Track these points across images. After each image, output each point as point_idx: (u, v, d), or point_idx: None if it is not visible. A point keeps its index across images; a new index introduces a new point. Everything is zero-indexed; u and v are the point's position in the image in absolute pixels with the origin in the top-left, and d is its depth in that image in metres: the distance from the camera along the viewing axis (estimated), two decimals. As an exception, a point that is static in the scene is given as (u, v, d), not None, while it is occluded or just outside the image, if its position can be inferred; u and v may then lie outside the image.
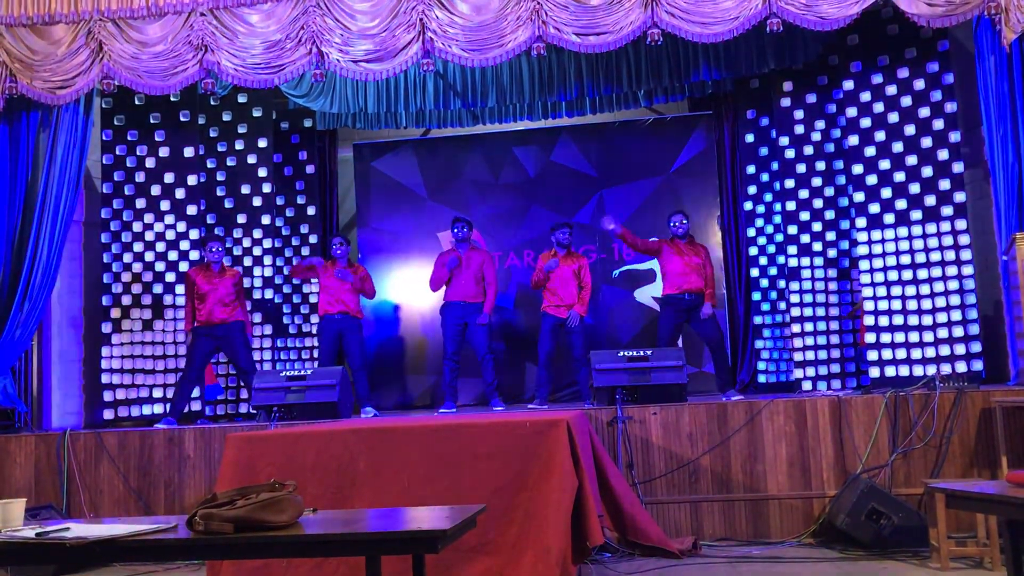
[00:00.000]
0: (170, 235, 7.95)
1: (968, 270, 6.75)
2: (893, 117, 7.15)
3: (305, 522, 2.79)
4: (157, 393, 7.71)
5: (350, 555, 2.64)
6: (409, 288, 9.39)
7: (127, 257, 7.83)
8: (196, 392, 7.70)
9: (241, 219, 8.57)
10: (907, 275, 6.94)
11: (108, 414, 7.48)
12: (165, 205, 7.96)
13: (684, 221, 7.49)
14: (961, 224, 6.81)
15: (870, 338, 7.00)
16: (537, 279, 7.62)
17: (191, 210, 8.01)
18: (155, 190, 7.96)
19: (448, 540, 2.62)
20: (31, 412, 7.17)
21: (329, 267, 7.76)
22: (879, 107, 7.21)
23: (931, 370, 6.55)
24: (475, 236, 7.96)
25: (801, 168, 7.99)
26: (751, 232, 8.70)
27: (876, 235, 7.08)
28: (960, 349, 6.67)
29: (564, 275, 7.52)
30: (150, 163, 7.98)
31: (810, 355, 7.69)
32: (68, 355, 7.64)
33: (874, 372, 6.94)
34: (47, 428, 7.12)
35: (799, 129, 8.04)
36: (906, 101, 7.11)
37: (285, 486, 2.79)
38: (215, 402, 8.20)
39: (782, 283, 8.26)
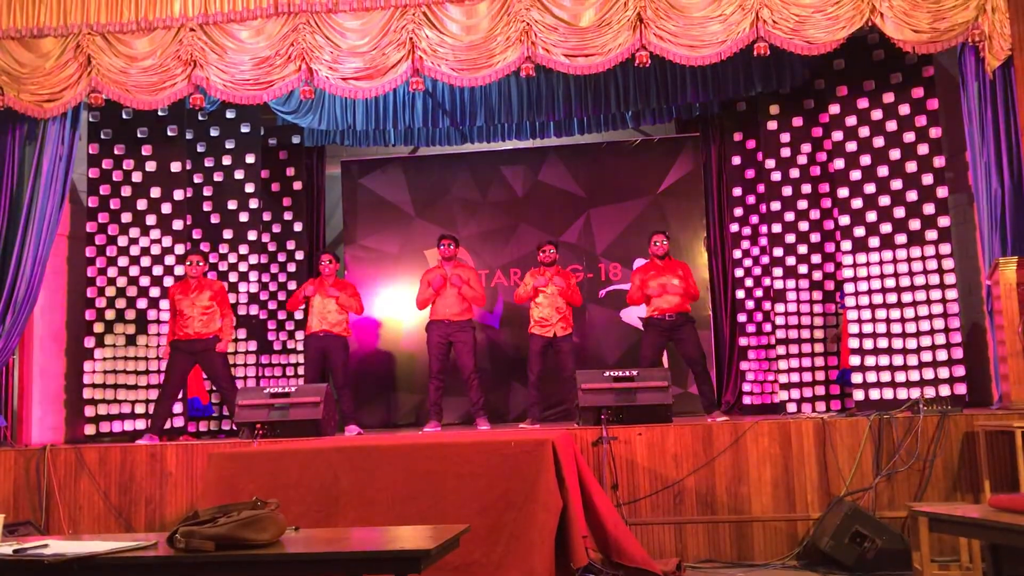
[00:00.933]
0: (155, 250, 7.91)
1: (952, 294, 6.80)
2: (878, 141, 7.21)
3: (287, 540, 2.77)
4: (139, 409, 7.64)
5: (332, 574, 2.62)
6: (395, 306, 9.37)
7: (111, 271, 7.79)
8: (179, 408, 7.65)
9: (227, 235, 8.54)
10: (891, 298, 6.98)
11: (89, 429, 7.41)
12: (151, 220, 7.92)
13: (664, 241, 7.51)
14: (945, 248, 6.87)
15: (854, 360, 7.03)
16: (523, 295, 7.64)
17: (177, 225, 7.98)
18: (141, 204, 7.92)
19: (431, 560, 2.60)
20: (11, 426, 7.09)
21: (319, 285, 7.75)
22: (865, 131, 7.27)
23: (915, 393, 6.58)
24: (461, 254, 7.96)
25: (787, 191, 8.04)
26: (737, 254, 8.73)
27: (861, 258, 7.13)
28: (944, 373, 6.71)
29: (545, 295, 7.54)
30: (136, 177, 7.95)
31: (795, 377, 7.72)
32: (50, 369, 7.57)
33: (858, 395, 6.96)
34: (27, 443, 7.05)
35: (785, 152, 8.09)
36: (891, 126, 7.18)
37: (268, 504, 2.77)
38: (197, 419, 8.14)
39: (767, 305, 8.30)
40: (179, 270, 7.88)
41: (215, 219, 8.55)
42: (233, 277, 8.51)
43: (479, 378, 7.63)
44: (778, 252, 8.00)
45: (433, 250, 8.13)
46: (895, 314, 6.94)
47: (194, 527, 2.65)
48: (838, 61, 7.36)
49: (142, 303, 7.81)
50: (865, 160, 7.24)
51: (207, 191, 8.58)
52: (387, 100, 8.64)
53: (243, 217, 8.54)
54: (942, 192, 6.96)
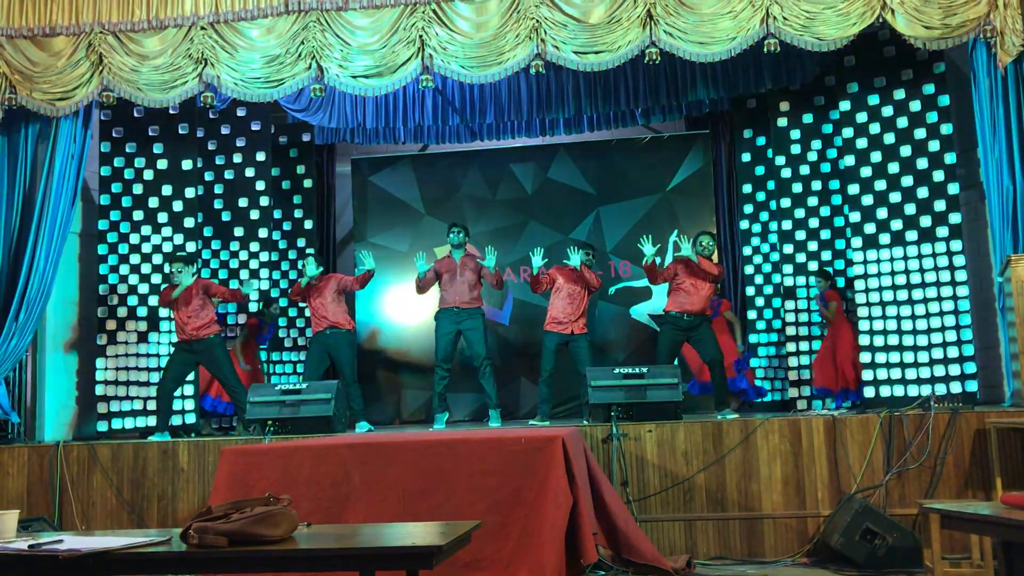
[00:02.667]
0: (167, 247, 7.93)
1: (963, 291, 6.77)
2: (889, 138, 7.19)
3: (299, 537, 2.78)
4: (151, 405, 7.67)
5: (344, 570, 2.63)
6: (405, 303, 9.38)
7: (123, 269, 7.81)
8: (191, 405, 7.67)
9: (238, 232, 8.57)
10: (902, 295, 6.96)
11: (102, 426, 7.44)
12: (162, 217, 7.95)
13: (711, 243, 7.34)
14: (956, 245, 6.85)
15: (865, 358, 7.01)
16: (533, 283, 7.59)
17: (188, 223, 8.00)
18: (152, 202, 7.95)
19: (443, 556, 2.61)
20: (24, 423, 7.13)
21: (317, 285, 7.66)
22: (875, 128, 7.25)
23: (926, 390, 6.56)
24: (469, 249, 7.96)
25: (797, 188, 8.02)
26: (747, 251, 8.72)
27: (872, 255, 7.11)
28: (955, 370, 6.69)
29: (567, 294, 7.48)
30: (148, 175, 7.98)
31: (805, 374, 7.70)
32: (62, 366, 7.61)
33: (869, 392, 6.95)
34: (40, 439, 7.09)
35: (795, 149, 8.07)
36: (902, 122, 7.15)
37: (280, 500, 2.78)
38: (220, 416, 8.15)
39: (777, 302, 8.28)
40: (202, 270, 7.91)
41: (226, 217, 8.59)
42: (244, 274, 8.54)
43: (492, 365, 7.58)
44: (788, 249, 7.99)
45: (444, 247, 8.13)
46: (906, 311, 6.92)
47: (207, 523, 2.67)
48: (849, 57, 7.34)
49: (154, 300, 7.83)
50: (876, 157, 7.22)
51: (218, 189, 8.62)
52: (397, 98, 8.66)
53: (254, 215, 8.58)
54: (953, 189, 6.93)
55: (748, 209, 8.73)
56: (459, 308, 7.55)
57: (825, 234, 7.92)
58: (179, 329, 7.25)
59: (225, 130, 8.64)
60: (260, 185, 8.60)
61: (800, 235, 7.97)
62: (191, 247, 7.93)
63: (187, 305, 7.20)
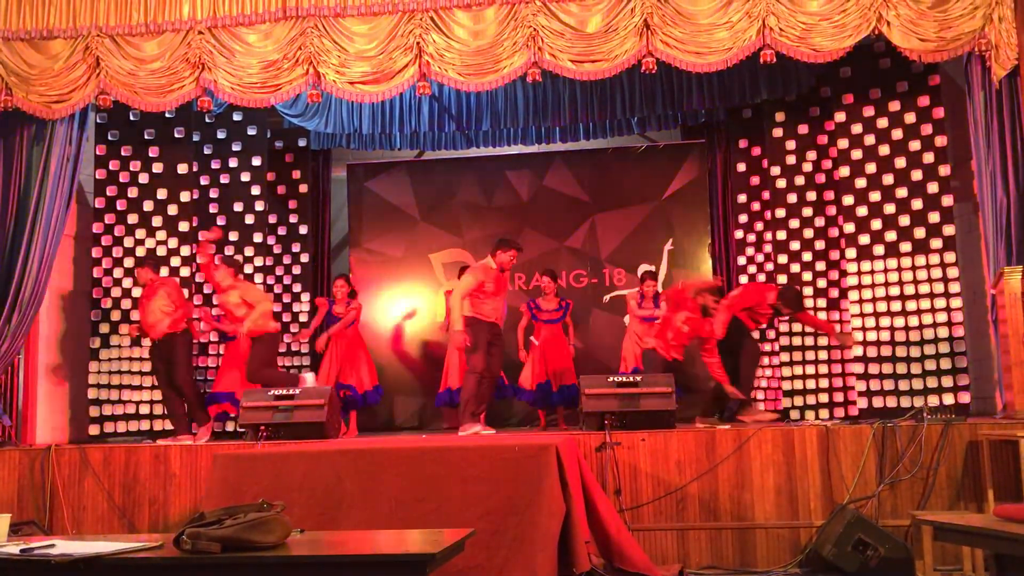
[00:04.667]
0: (161, 251, 7.93)
1: (956, 303, 6.80)
2: (884, 149, 7.22)
3: (293, 543, 2.78)
4: (144, 409, 7.66)
5: (337, 577, 2.63)
6: (399, 309, 9.37)
7: (117, 272, 7.80)
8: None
9: (233, 237, 8.55)
10: (896, 306, 6.98)
11: (94, 429, 7.42)
12: (157, 221, 7.94)
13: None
14: (950, 257, 6.88)
15: (858, 368, 7.02)
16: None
17: (183, 226, 8.00)
18: (147, 206, 7.95)
19: (437, 564, 2.61)
20: (16, 426, 7.11)
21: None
22: (870, 139, 7.28)
23: (919, 402, 6.58)
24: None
25: (792, 198, 8.04)
26: (741, 260, 8.73)
27: (866, 266, 7.14)
28: (948, 381, 6.71)
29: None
30: (143, 179, 7.98)
31: (799, 384, 7.71)
32: (55, 369, 7.59)
33: (862, 403, 6.96)
34: (32, 443, 7.06)
35: (791, 159, 8.09)
36: (897, 134, 7.19)
37: (274, 506, 2.78)
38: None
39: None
40: (185, 271, 7.89)
41: (221, 221, 8.56)
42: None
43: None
44: (783, 259, 8.00)
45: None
46: (899, 322, 6.94)
47: (200, 528, 2.66)
48: (844, 69, 7.37)
49: (147, 304, 7.81)
50: (870, 168, 7.25)
51: (213, 193, 8.59)
52: (393, 104, 8.65)
53: (249, 219, 8.56)
54: (947, 201, 6.96)
55: (743, 219, 8.74)
56: (493, 323, 7.32)
57: (819, 245, 7.94)
58: (147, 328, 7.20)
59: (221, 134, 8.63)
60: (255, 190, 8.59)
61: (794, 245, 7.98)
62: (185, 251, 7.92)
63: (154, 306, 7.14)
